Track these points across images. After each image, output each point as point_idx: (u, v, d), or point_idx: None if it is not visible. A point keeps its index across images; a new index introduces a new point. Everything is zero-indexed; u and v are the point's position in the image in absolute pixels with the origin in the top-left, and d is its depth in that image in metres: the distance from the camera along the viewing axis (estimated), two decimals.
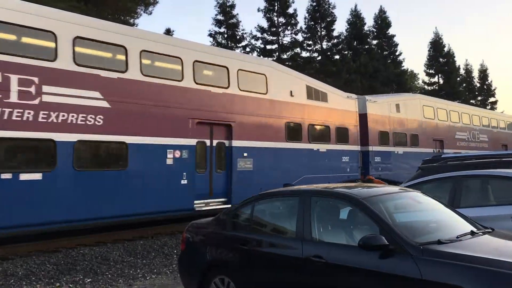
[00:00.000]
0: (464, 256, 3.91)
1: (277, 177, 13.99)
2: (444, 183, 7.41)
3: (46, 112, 9.59)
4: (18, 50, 9.44)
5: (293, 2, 40.34)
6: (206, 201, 12.77)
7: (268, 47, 40.52)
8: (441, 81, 51.33)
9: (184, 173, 12.08)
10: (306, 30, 41.04)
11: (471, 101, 52.73)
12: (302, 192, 5.35)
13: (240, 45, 40.48)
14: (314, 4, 40.92)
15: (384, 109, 20.42)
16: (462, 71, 55.66)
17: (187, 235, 6.06)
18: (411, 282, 3.96)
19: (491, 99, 57.65)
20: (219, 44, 39.35)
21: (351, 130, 17.99)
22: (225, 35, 40.10)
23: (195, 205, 12.36)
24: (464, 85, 55.03)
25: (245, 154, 13.73)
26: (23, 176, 9.20)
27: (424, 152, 21.71)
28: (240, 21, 41.07)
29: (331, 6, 41.10)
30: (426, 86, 52.33)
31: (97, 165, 10.61)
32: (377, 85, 38.85)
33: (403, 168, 20.41)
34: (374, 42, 44.49)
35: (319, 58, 41.37)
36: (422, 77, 64.33)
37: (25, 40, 9.79)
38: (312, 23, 41.08)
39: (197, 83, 12.60)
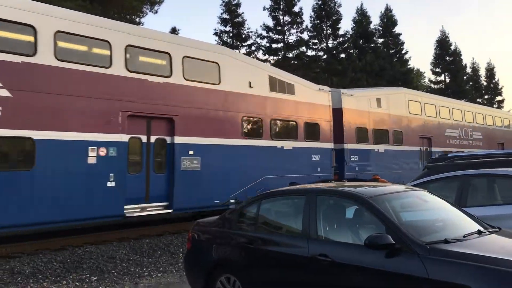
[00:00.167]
0: (471, 255, 3.89)
1: (231, 178, 12.93)
2: (450, 182, 7.38)
3: None
4: None
5: (298, 1, 40.34)
6: (141, 206, 11.25)
7: (274, 46, 40.45)
8: (448, 80, 51.07)
9: (111, 174, 10.50)
10: (311, 29, 40.90)
11: (478, 99, 52.42)
12: (308, 191, 5.36)
13: (245, 44, 40.48)
14: (320, 2, 40.78)
15: (363, 103, 18.82)
16: (468, 70, 55.38)
17: (193, 234, 6.07)
18: (417, 281, 3.95)
19: (498, 98, 57.35)
20: (224, 43, 39.33)
21: (323, 126, 16.38)
22: (231, 34, 40.06)
23: (125, 211, 10.85)
24: (470, 83, 54.70)
25: (191, 152, 12.13)
26: None
27: (409, 151, 20.71)
28: (246, 20, 40.92)
29: (336, 5, 40.93)
30: (432, 85, 52.09)
31: None
32: (383, 84, 38.63)
33: (384, 167, 19.07)
34: (380, 40, 44.26)
35: (325, 56, 41.21)
36: (428, 75, 64.03)
37: None
38: (318, 21, 40.93)
39: (130, 71, 11.08)
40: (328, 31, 41.20)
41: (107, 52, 10.75)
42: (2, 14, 9.19)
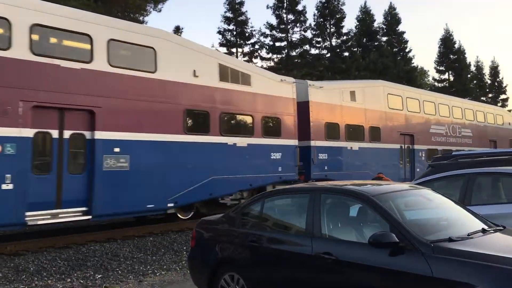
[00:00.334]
0: (475, 254, 3.88)
1: (170, 179, 11.54)
2: (455, 181, 7.38)
3: None
4: None
5: None
6: (50, 212, 9.69)
7: (277, 44, 40.46)
8: (452, 78, 50.88)
9: (8, 176, 8.97)
10: (315, 27, 40.89)
11: (482, 98, 52.25)
12: (312, 189, 5.37)
13: (249, 42, 40.51)
14: (323, 0, 40.74)
15: (334, 96, 17.30)
16: (472, 68, 55.20)
17: (197, 232, 6.09)
18: (421, 280, 3.94)
19: (502, 96, 57.18)
20: (228, 41, 39.42)
21: (285, 121, 14.86)
22: (234, 32, 40.09)
23: (27, 218, 9.29)
24: (475, 82, 54.54)
25: (117, 150, 10.62)
26: None
27: (388, 148, 19.39)
28: (249, 18, 40.91)
29: (340, 3, 40.91)
30: (436, 83, 51.95)
31: None
32: None
33: (359, 166, 17.72)
34: (384, 39, 44.21)
35: (328, 55, 41.21)
36: (432, 74, 63.93)
37: None
38: (321, 20, 40.91)
39: (36, 54, 9.58)
40: (332, 30, 41.19)
41: (6, 32, 9.21)
42: None
